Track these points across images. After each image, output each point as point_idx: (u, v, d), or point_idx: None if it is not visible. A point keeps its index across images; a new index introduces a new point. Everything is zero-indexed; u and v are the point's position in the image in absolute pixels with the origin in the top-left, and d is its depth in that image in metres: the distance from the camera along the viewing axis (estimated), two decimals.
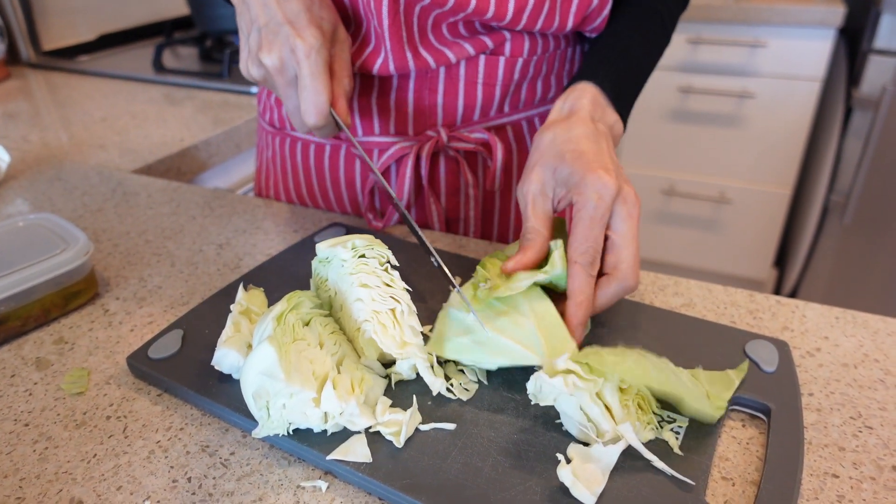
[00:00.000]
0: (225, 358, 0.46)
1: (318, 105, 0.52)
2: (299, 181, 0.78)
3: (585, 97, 0.56)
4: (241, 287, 0.52)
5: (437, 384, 0.45)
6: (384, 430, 0.42)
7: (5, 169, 0.86)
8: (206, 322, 0.54)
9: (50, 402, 0.49)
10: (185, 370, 0.49)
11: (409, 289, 0.48)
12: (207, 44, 1.56)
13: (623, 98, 0.59)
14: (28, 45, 1.55)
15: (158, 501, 0.40)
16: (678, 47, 1.89)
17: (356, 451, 0.41)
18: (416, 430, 0.43)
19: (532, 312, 0.47)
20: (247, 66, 0.55)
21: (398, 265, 0.49)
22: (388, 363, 0.48)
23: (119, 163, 0.95)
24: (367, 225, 0.71)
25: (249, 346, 0.47)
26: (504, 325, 0.47)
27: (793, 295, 2.02)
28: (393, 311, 0.47)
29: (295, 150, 0.76)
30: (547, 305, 0.48)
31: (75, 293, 0.58)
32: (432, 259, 0.50)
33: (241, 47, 0.56)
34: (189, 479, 0.42)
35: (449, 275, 0.50)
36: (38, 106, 1.25)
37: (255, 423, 0.43)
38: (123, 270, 0.65)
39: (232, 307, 0.50)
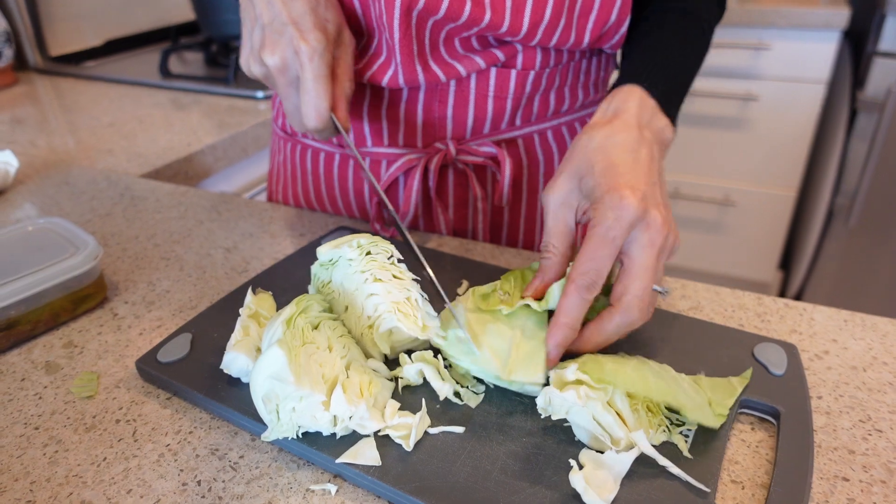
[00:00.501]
0: (234, 361, 0.46)
1: (318, 109, 0.52)
2: (308, 187, 0.78)
3: (632, 99, 0.52)
4: (249, 291, 0.52)
5: (444, 389, 0.45)
6: (393, 434, 0.42)
7: (14, 174, 0.87)
8: (214, 326, 0.54)
9: (60, 405, 0.49)
10: (195, 374, 0.49)
11: (418, 278, 0.49)
12: (213, 49, 1.57)
13: (671, 102, 0.55)
14: (35, 50, 1.56)
15: None
16: None
17: (365, 454, 0.41)
18: (425, 433, 0.43)
19: (520, 328, 0.47)
20: (248, 63, 0.55)
21: (403, 258, 0.50)
22: (394, 359, 0.49)
23: (126, 167, 0.96)
24: (375, 233, 0.71)
25: (258, 350, 0.47)
26: (489, 330, 0.47)
27: (798, 298, 2.01)
28: (409, 300, 0.48)
29: (305, 156, 0.76)
30: (540, 330, 0.47)
31: (84, 297, 0.59)
32: (424, 273, 0.51)
33: (244, 43, 0.56)
34: (199, 483, 0.42)
35: (441, 291, 0.50)
36: (45, 111, 1.26)
37: (264, 426, 0.43)
38: (132, 274, 0.66)
39: (241, 311, 0.50)
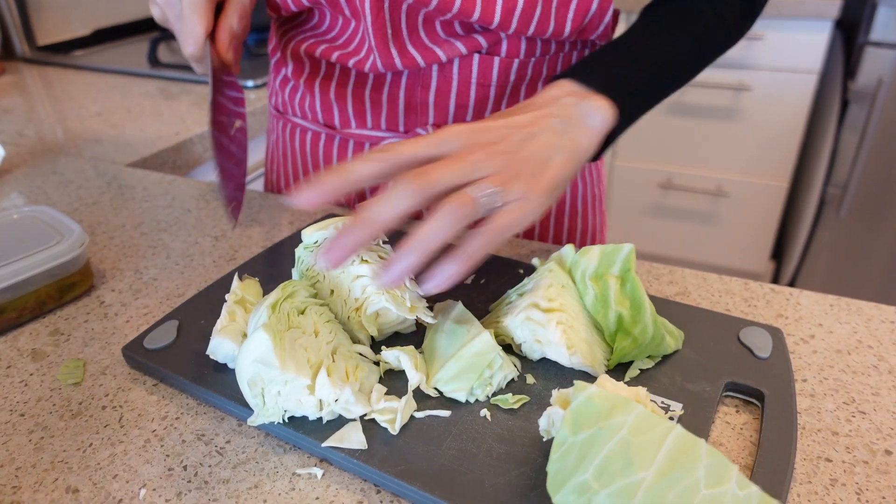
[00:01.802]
0: (220, 347, 0.46)
1: (194, 34, 0.55)
2: (297, 167, 0.79)
3: (547, 90, 0.50)
4: (235, 276, 0.52)
5: (415, 378, 0.45)
6: (379, 418, 0.42)
7: (0, 163, 0.86)
8: (201, 312, 0.54)
9: (46, 392, 0.49)
10: (181, 360, 0.49)
11: None
12: None
13: (619, 89, 0.51)
14: (23, 40, 1.54)
15: (154, 489, 0.40)
16: None
17: (351, 438, 0.41)
18: (412, 417, 0.43)
19: (470, 343, 0.46)
20: (152, 6, 0.58)
21: (388, 240, 0.50)
22: (382, 343, 0.49)
23: (114, 157, 0.95)
24: None
25: (244, 336, 0.47)
26: (449, 330, 0.47)
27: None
28: None
29: (294, 135, 0.77)
30: (487, 352, 0.45)
31: (71, 285, 0.58)
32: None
33: None
34: (185, 468, 0.42)
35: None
36: (33, 101, 1.25)
37: (250, 411, 0.43)
38: (119, 263, 0.65)
39: (227, 297, 0.50)
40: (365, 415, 0.43)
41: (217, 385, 0.46)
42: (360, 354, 0.48)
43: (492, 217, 0.41)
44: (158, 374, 0.49)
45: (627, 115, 0.52)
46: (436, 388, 0.45)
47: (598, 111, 0.49)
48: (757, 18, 0.63)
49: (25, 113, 1.16)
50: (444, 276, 0.40)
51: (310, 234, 0.50)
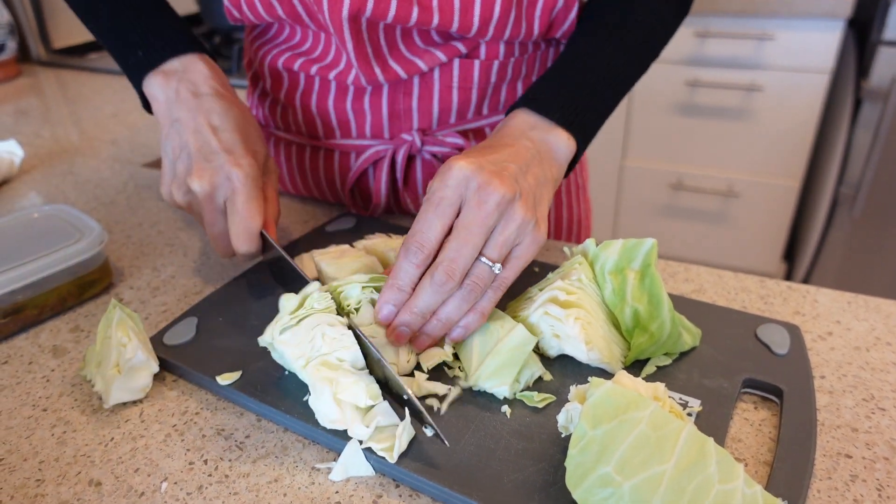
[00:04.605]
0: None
1: (250, 229, 0.53)
2: (284, 180, 0.78)
3: (511, 122, 0.53)
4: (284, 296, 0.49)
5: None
6: (376, 447, 0.40)
7: (18, 164, 0.87)
8: (219, 309, 0.54)
9: (67, 387, 0.49)
10: (200, 356, 0.49)
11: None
12: (216, 40, 1.57)
13: (577, 121, 0.53)
14: (38, 43, 1.56)
15: (176, 483, 0.41)
16: (685, 41, 1.88)
17: (356, 465, 0.41)
18: (430, 412, 0.43)
19: (504, 336, 0.46)
20: (170, 191, 0.56)
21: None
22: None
23: (130, 157, 0.96)
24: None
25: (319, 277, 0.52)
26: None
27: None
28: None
29: (279, 148, 0.77)
30: (526, 345, 0.45)
31: (90, 282, 0.59)
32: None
33: (165, 171, 0.56)
34: (205, 462, 0.42)
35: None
36: (49, 103, 1.26)
37: (268, 408, 0.44)
38: (137, 261, 0.66)
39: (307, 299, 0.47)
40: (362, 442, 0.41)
41: (236, 381, 0.46)
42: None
43: (509, 262, 0.46)
44: (178, 369, 0.49)
45: (584, 143, 0.55)
46: (475, 387, 0.45)
47: (562, 145, 0.52)
48: (686, 15, 0.65)
49: (42, 114, 1.18)
50: (473, 323, 0.46)
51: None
